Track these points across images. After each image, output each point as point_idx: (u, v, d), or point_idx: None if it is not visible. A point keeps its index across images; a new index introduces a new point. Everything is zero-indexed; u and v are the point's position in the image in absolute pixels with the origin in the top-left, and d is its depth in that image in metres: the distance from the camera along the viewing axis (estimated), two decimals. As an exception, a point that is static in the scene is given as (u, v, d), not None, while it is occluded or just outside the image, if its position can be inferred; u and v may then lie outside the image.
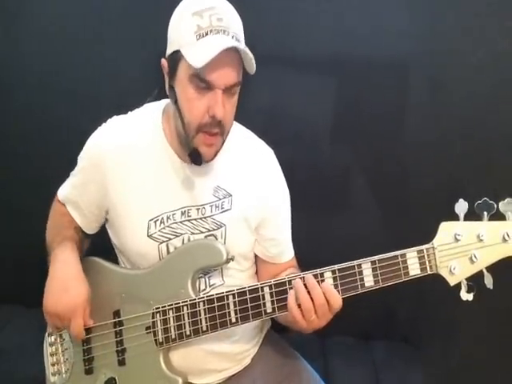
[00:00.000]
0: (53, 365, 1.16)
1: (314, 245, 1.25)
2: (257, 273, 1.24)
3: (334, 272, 0.99)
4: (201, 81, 0.96)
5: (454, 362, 1.56)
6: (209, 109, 0.98)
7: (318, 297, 0.96)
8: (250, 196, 1.14)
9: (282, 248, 1.20)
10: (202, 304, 1.05)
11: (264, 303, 1.02)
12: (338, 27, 1.44)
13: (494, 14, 1.37)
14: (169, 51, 1.02)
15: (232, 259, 1.08)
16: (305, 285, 0.98)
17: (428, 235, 1.36)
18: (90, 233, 1.21)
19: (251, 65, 0.97)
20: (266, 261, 1.20)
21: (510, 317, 1.52)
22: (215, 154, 1.05)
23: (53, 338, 1.17)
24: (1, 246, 1.66)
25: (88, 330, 1.12)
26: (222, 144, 1.06)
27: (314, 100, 1.49)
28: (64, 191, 1.20)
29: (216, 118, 0.97)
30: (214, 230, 1.12)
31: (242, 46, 0.96)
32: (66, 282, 1.04)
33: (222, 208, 1.12)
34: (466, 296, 0.93)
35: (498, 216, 0.92)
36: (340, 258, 1.18)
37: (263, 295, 1.02)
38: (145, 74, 1.44)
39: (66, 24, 1.55)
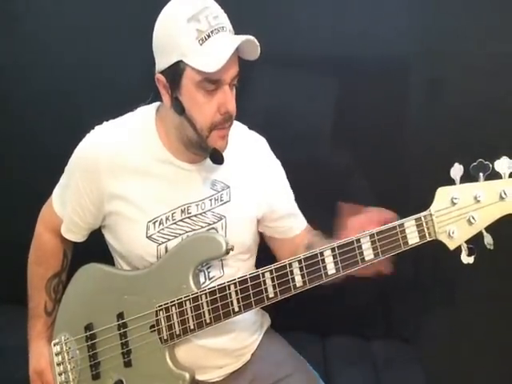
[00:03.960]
0: (60, 374, 1.15)
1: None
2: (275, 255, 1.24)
3: (333, 250, 0.97)
4: (211, 82, 0.97)
5: (454, 362, 1.56)
6: (219, 107, 0.99)
7: None
8: (247, 186, 1.14)
9: (291, 220, 1.21)
10: (204, 297, 1.04)
11: (266, 288, 1.00)
12: (338, 27, 1.44)
13: (494, 14, 1.37)
14: (166, 64, 0.99)
15: (232, 249, 1.07)
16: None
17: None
18: (80, 241, 1.20)
19: (254, 48, 0.98)
20: (281, 238, 1.20)
21: (510, 317, 1.51)
22: (227, 143, 1.06)
23: (58, 347, 1.16)
24: (0, 245, 1.67)
25: (93, 336, 1.12)
26: None
27: (314, 100, 1.48)
28: (56, 208, 1.18)
29: (229, 113, 1.00)
30: (215, 222, 1.12)
31: (245, 37, 0.95)
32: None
33: (221, 200, 1.12)
34: (466, 259, 0.91)
35: (495, 177, 0.90)
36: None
37: (264, 281, 1.01)
38: (145, 74, 1.46)
39: (65, 24, 1.55)
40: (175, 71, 0.98)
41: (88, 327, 1.13)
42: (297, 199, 1.23)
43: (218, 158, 1.04)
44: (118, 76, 1.54)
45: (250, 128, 1.22)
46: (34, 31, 1.57)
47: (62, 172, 1.17)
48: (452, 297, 1.52)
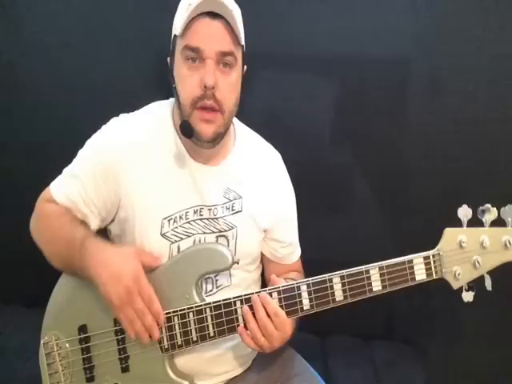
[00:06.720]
0: (50, 374, 1.13)
1: (315, 244, 1.26)
2: (263, 273, 1.26)
3: (342, 277, 1.01)
4: (190, 50, 0.97)
5: (455, 363, 1.58)
6: (201, 82, 0.98)
7: (261, 318, 0.98)
8: (260, 199, 1.15)
9: (290, 250, 1.23)
10: (208, 310, 1.04)
11: (272, 308, 1.03)
12: (337, 27, 1.44)
13: (494, 14, 1.38)
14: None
15: (237, 263, 1.08)
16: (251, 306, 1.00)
17: (429, 234, 1.41)
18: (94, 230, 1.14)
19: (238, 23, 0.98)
20: (273, 261, 1.23)
21: (510, 317, 1.54)
22: (215, 135, 1.03)
23: (49, 346, 1.13)
24: (1, 246, 1.58)
25: (87, 338, 1.11)
26: (225, 128, 1.05)
27: (315, 100, 1.49)
28: (68, 194, 1.10)
29: (207, 86, 0.97)
30: (226, 231, 1.12)
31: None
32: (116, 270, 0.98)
33: (232, 210, 1.13)
34: (467, 297, 0.98)
35: (499, 222, 0.97)
36: (341, 258, 1.21)
37: (272, 300, 1.03)
38: (145, 74, 1.47)
39: (66, 24, 1.50)
40: (173, 46, 1.02)
41: (82, 329, 1.11)
42: (296, 198, 1.25)
43: (187, 130, 1.02)
44: (119, 76, 1.50)
45: (249, 128, 1.22)
46: (36, 33, 1.50)
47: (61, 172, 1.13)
48: (453, 297, 1.54)
